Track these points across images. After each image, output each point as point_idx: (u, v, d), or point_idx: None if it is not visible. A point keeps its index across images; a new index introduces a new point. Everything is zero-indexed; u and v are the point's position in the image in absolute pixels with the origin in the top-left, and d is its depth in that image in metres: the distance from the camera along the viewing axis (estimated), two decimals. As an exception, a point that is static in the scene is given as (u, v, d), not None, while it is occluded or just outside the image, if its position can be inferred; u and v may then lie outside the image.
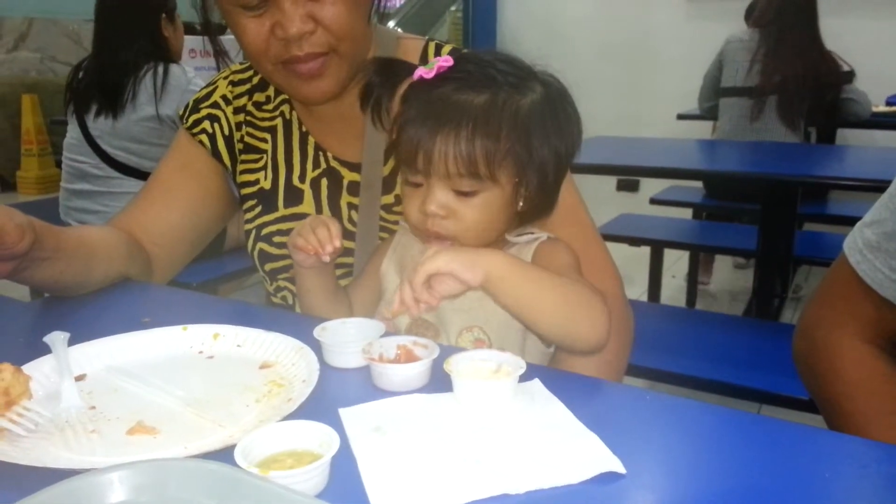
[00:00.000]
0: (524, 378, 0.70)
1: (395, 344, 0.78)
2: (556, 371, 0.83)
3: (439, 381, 0.73)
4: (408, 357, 0.76)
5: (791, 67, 3.07)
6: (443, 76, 0.86)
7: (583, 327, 0.81)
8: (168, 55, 2.41)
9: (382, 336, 0.80)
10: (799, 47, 3.08)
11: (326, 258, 0.86)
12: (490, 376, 0.71)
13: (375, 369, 0.74)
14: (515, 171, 0.85)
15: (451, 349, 0.79)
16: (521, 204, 0.88)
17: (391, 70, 0.91)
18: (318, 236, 0.85)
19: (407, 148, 0.84)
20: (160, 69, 2.33)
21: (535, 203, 0.89)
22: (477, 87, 0.84)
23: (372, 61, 0.94)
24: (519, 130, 0.84)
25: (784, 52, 3.09)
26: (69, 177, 2.51)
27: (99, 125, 2.39)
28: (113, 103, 2.34)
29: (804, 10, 3.15)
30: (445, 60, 0.87)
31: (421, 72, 0.87)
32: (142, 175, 2.39)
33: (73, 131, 2.48)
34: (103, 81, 2.36)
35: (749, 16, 3.35)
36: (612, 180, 5.52)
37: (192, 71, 2.43)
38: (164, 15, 2.39)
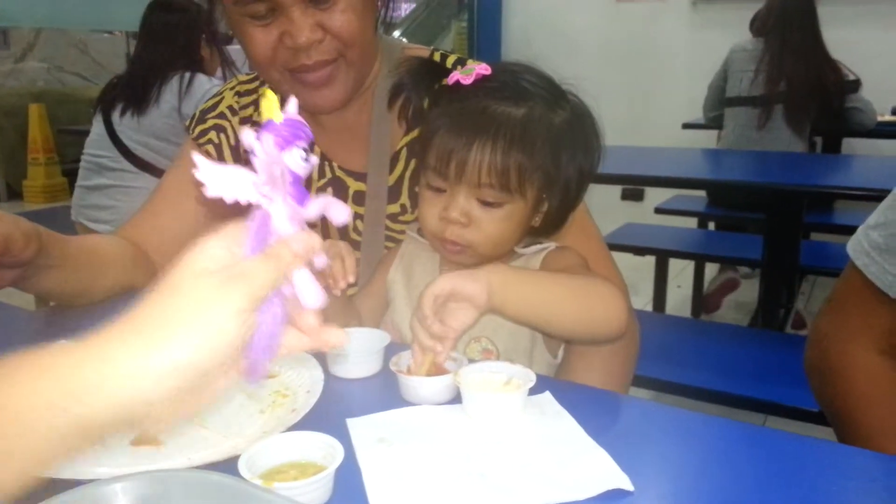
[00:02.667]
0: (534, 391, 0.70)
1: None
2: (565, 383, 0.83)
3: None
4: (436, 369, 0.75)
5: (796, 75, 3.08)
6: (478, 84, 0.86)
7: (599, 314, 0.81)
8: (200, 71, 2.49)
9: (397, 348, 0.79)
10: (803, 55, 3.09)
11: (338, 293, 0.85)
12: (500, 389, 0.71)
13: (404, 382, 0.73)
14: (542, 187, 0.86)
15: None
16: (537, 219, 0.89)
17: (423, 71, 0.91)
18: (333, 269, 0.84)
19: (439, 153, 0.84)
20: (187, 75, 2.42)
21: (551, 219, 0.89)
22: (514, 98, 0.85)
23: (404, 62, 0.94)
24: (551, 146, 0.84)
25: (788, 60, 3.10)
26: (86, 173, 2.59)
27: (124, 122, 2.48)
28: (139, 102, 2.44)
29: (806, 18, 3.16)
30: (484, 68, 0.87)
31: (458, 76, 0.87)
32: (156, 171, 2.46)
33: (96, 127, 2.56)
34: (132, 84, 2.47)
35: (753, 25, 3.35)
36: (617, 189, 5.51)
37: (216, 80, 2.50)
38: (203, 36, 2.48)
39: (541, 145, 0.84)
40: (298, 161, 0.46)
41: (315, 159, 0.49)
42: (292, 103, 0.49)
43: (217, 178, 0.46)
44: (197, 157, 0.46)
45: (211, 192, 0.46)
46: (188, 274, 0.45)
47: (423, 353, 0.73)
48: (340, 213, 0.51)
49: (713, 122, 3.53)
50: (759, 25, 3.29)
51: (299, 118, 0.47)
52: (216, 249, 0.46)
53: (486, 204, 0.84)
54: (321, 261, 0.50)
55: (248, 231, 0.47)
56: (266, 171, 0.46)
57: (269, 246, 0.47)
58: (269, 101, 0.47)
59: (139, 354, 0.41)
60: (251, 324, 0.45)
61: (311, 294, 0.49)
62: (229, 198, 0.46)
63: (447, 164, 0.83)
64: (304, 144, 0.47)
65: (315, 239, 0.48)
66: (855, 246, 0.92)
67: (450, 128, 0.84)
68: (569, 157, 0.86)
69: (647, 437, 0.69)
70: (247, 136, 0.47)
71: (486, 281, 0.73)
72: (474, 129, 0.83)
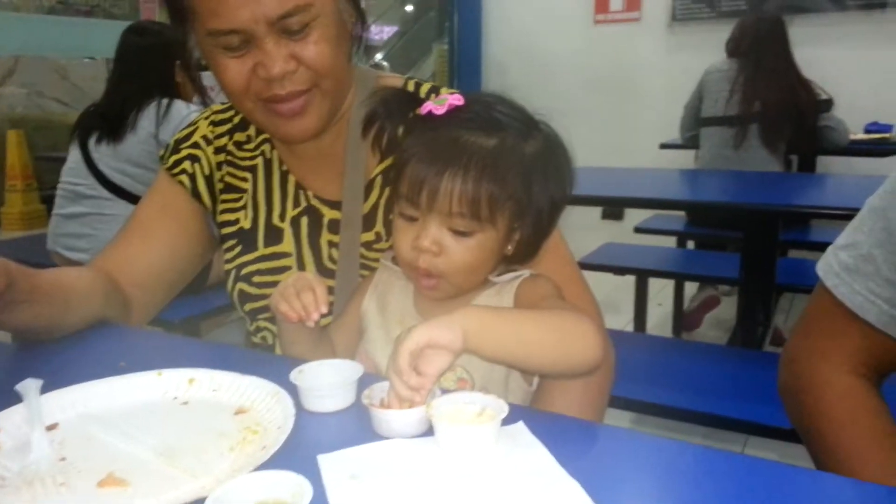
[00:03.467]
0: (508, 420, 0.69)
1: None
2: (539, 413, 0.82)
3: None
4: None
5: (770, 95, 3.13)
6: (451, 114, 0.86)
7: (576, 349, 0.80)
8: (177, 97, 2.49)
9: (370, 379, 0.78)
10: (776, 75, 3.15)
11: (311, 324, 0.84)
12: (473, 420, 0.70)
13: (376, 416, 0.72)
14: (514, 216, 0.86)
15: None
16: (510, 248, 0.89)
17: (396, 101, 0.92)
18: (304, 301, 0.84)
19: (411, 182, 0.84)
20: (164, 101, 2.42)
21: (524, 247, 0.90)
22: (486, 129, 0.85)
23: (378, 91, 0.94)
24: (522, 176, 0.85)
25: (762, 80, 3.16)
26: (62, 202, 2.57)
27: (101, 149, 2.47)
28: (115, 129, 2.43)
29: (778, 40, 3.22)
30: (456, 99, 0.87)
31: (430, 106, 0.87)
32: (133, 199, 2.45)
33: (73, 155, 2.54)
34: (108, 112, 2.46)
35: (728, 46, 3.41)
36: (596, 210, 5.55)
37: (194, 107, 2.49)
38: (178, 62, 2.47)
39: (512, 175, 0.84)
40: None
41: None
42: None
43: None
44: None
45: None
46: None
47: (400, 404, 0.72)
48: None
49: (690, 142, 3.58)
50: (732, 47, 3.35)
51: None
52: None
53: (457, 233, 0.85)
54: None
55: None
56: None
57: None
58: None
59: None
60: None
61: None
62: None
63: (419, 193, 0.83)
64: None
65: None
66: (824, 266, 0.93)
67: (421, 157, 0.84)
68: (541, 187, 0.87)
69: (622, 466, 0.68)
70: None
71: (461, 327, 0.72)
72: (446, 158, 0.83)
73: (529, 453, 0.67)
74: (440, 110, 0.87)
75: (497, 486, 0.62)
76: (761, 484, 0.63)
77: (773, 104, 3.14)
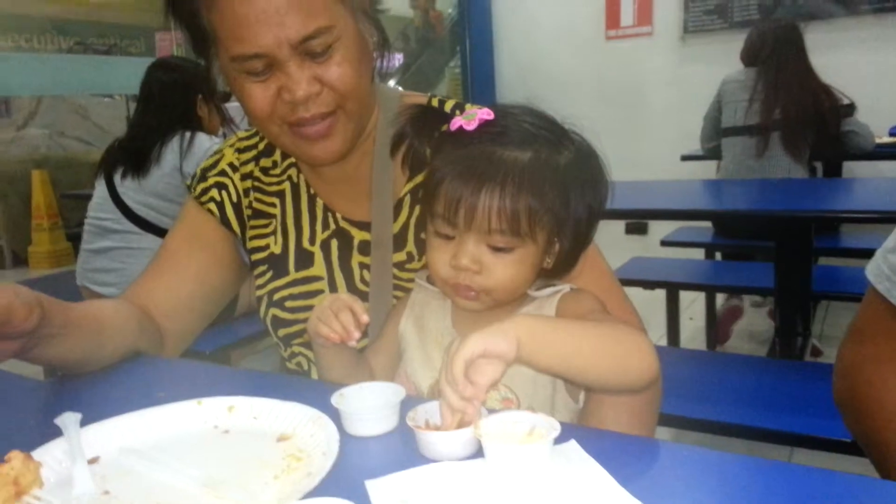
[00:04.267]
0: (559, 439, 0.67)
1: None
2: (590, 430, 0.79)
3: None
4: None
5: (790, 100, 3.09)
6: (482, 129, 0.85)
7: (633, 363, 0.78)
8: (200, 130, 2.52)
9: (420, 402, 0.76)
10: (795, 80, 3.11)
11: (353, 343, 0.83)
12: (524, 439, 0.68)
13: (422, 438, 0.70)
14: (553, 229, 0.84)
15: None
16: (549, 261, 0.87)
17: (424, 119, 0.91)
18: (342, 321, 0.83)
19: (447, 201, 0.83)
20: (188, 134, 2.45)
21: (563, 260, 0.88)
22: (519, 142, 0.84)
23: (405, 110, 0.93)
24: (559, 188, 0.83)
25: (781, 86, 3.12)
26: (90, 237, 2.59)
27: (126, 184, 2.49)
28: (140, 163, 2.45)
29: (795, 46, 3.19)
30: (486, 113, 0.86)
31: (460, 122, 0.86)
32: (160, 231, 2.47)
33: (99, 190, 2.57)
34: (133, 147, 2.49)
35: (743, 55, 3.39)
36: (620, 224, 5.51)
37: (216, 139, 2.52)
38: (199, 96, 2.52)
39: (549, 187, 0.83)
40: None
41: None
42: None
43: None
44: None
45: None
46: None
47: (452, 415, 0.70)
48: None
49: (711, 153, 3.54)
50: (748, 55, 3.32)
51: None
52: None
53: (496, 249, 0.83)
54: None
55: None
56: None
57: None
58: None
59: None
60: None
61: None
62: None
63: (456, 212, 0.82)
64: None
65: None
66: (874, 270, 0.90)
67: (456, 175, 0.83)
68: (577, 197, 0.85)
69: (681, 482, 0.65)
70: None
71: (515, 336, 0.70)
72: (482, 175, 0.81)
73: (585, 472, 0.64)
74: (471, 126, 0.85)
75: (555, 507, 0.59)
76: (830, 495, 0.60)
77: (793, 111, 3.10)
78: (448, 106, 1.08)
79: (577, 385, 0.87)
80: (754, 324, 3.38)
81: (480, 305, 0.87)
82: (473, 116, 0.86)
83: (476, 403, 0.69)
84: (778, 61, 3.16)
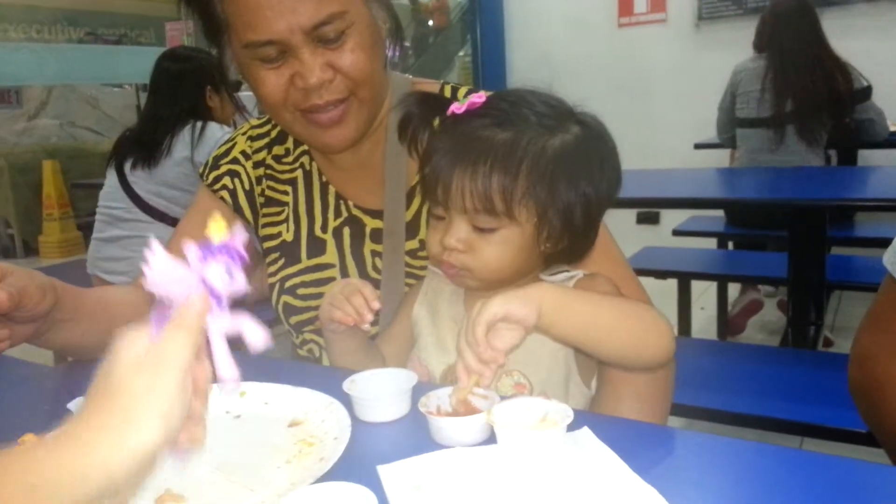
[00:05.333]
0: (572, 426, 0.66)
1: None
2: (603, 417, 0.79)
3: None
4: (466, 408, 0.72)
5: (802, 87, 3.02)
6: (474, 112, 0.85)
7: (651, 339, 0.79)
8: (211, 120, 2.52)
9: (429, 388, 0.76)
10: (806, 65, 3.02)
11: (367, 326, 0.84)
12: (536, 425, 0.67)
13: (434, 423, 0.70)
14: (535, 212, 0.83)
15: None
16: (546, 245, 0.85)
17: (428, 104, 0.91)
18: (355, 305, 0.83)
19: (429, 180, 0.84)
20: (199, 124, 2.45)
21: (564, 245, 0.86)
22: (504, 124, 0.83)
23: (410, 95, 0.93)
24: (541, 171, 0.81)
25: (791, 73, 3.04)
26: (101, 225, 2.61)
27: (137, 173, 2.51)
28: (151, 153, 2.46)
29: (804, 25, 3.09)
30: (478, 97, 0.86)
31: (453, 107, 0.87)
32: (170, 220, 2.48)
33: (110, 179, 2.59)
34: (143, 137, 2.50)
35: (755, 41, 3.32)
36: (631, 214, 5.48)
37: (227, 129, 2.53)
38: (209, 86, 2.52)
39: (528, 169, 0.81)
40: (219, 280, 0.53)
41: (243, 284, 0.54)
42: (238, 230, 0.55)
43: (162, 274, 0.53)
44: (152, 254, 0.53)
45: (152, 285, 0.53)
46: (124, 368, 0.50)
47: (468, 377, 0.70)
48: (257, 337, 0.55)
49: (729, 142, 3.49)
50: (759, 42, 3.26)
51: (238, 245, 0.54)
52: (140, 339, 0.53)
53: (480, 230, 0.83)
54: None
55: (154, 319, 0.53)
56: (187, 277, 0.53)
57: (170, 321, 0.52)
58: (217, 224, 0.55)
59: (115, 442, 0.47)
60: (189, 389, 0.51)
61: (227, 366, 0.54)
62: (164, 291, 0.53)
63: (436, 190, 0.83)
64: (231, 268, 0.53)
65: (206, 299, 0.53)
66: (892, 259, 0.88)
67: (440, 156, 0.84)
68: (568, 183, 0.82)
69: (695, 468, 0.65)
70: (189, 249, 0.53)
71: (538, 302, 0.71)
72: (457, 154, 0.82)
73: (599, 459, 0.64)
74: (460, 109, 0.86)
75: (569, 493, 0.59)
76: (844, 482, 0.60)
77: (807, 99, 3.03)
78: (461, 93, 1.08)
79: (594, 356, 0.85)
80: (766, 314, 3.35)
81: (468, 283, 0.87)
82: (464, 101, 0.86)
83: (493, 368, 0.69)
84: (789, 46, 3.07)
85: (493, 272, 0.85)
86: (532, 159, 0.81)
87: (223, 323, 0.54)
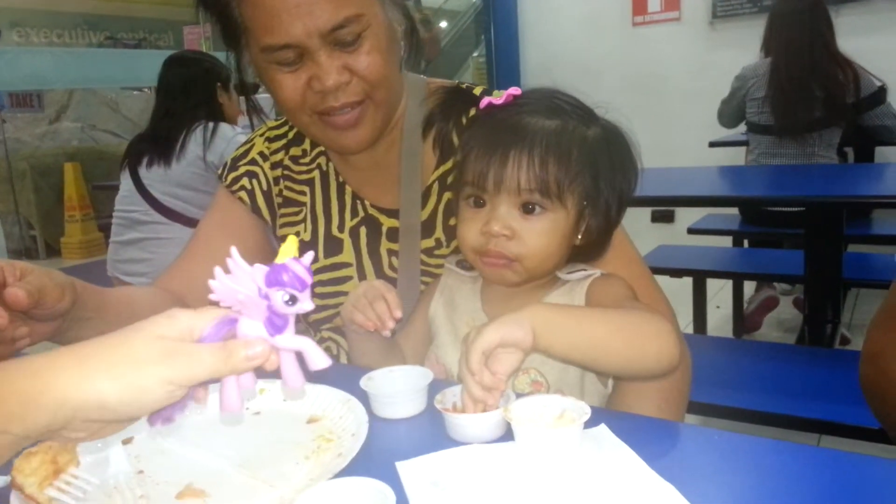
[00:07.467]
0: (589, 423, 0.67)
1: None
2: (620, 414, 0.79)
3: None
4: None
5: (803, 96, 2.94)
6: (510, 104, 0.87)
7: (651, 350, 0.78)
8: (221, 119, 2.58)
9: (442, 384, 0.77)
10: (810, 68, 2.94)
11: (387, 333, 0.84)
12: (554, 423, 0.68)
13: (451, 420, 0.71)
14: (582, 198, 0.85)
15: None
16: (579, 237, 0.88)
17: (453, 101, 0.93)
18: (377, 311, 0.84)
19: (476, 169, 0.84)
20: (210, 124, 2.50)
21: (593, 239, 0.88)
22: (546, 113, 0.86)
23: (435, 93, 0.95)
24: (587, 158, 0.84)
25: (796, 78, 2.95)
26: (118, 229, 2.65)
27: (151, 174, 2.54)
28: (164, 154, 2.50)
29: (806, 29, 2.97)
30: (514, 90, 0.88)
31: (489, 99, 0.88)
32: (187, 221, 2.51)
33: (125, 184, 2.62)
34: (157, 137, 2.55)
35: (763, 44, 3.24)
36: (646, 212, 5.45)
37: (239, 128, 2.59)
38: (219, 84, 2.58)
39: (577, 155, 0.84)
40: (280, 303, 0.54)
41: (308, 306, 0.55)
42: (308, 257, 0.56)
43: (231, 289, 0.55)
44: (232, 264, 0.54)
45: (217, 295, 0.55)
46: (145, 333, 0.51)
47: (475, 405, 0.70)
48: (318, 360, 0.56)
49: (731, 125, 3.44)
50: (766, 44, 3.17)
51: (304, 269, 0.55)
52: (182, 322, 0.53)
53: (528, 212, 0.84)
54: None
55: (214, 322, 0.54)
56: (251, 292, 0.54)
57: (225, 340, 0.53)
58: (290, 245, 0.56)
59: (72, 382, 0.48)
60: (176, 396, 0.51)
61: (294, 378, 0.57)
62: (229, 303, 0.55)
63: (485, 178, 0.84)
64: (295, 292, 0.54)
65: (268, 354, 0.54)
66: None
67: (484, 143, 0.85)
68: (606, 173, 0.86)
69: (711, 465, 0.65)
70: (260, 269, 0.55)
71: (531, 325, 0.70)
72: (509, 140, 0.83)
73: (617, 456, 0.65)
74: (499, 101, 0.88)
75: (587, 490, 0.60)
76: (860, 479, 0.60)
77: (810, 106, 2.94)
78: (477, 91, 1.08)
79: (593, 371, 0.87)
80: (782, 312, 3.33)
81: (513, 276, 0.87)
82: (502, 93, 0.88)
83: (496, 393, 0.69)
84: (789, 50, 2.96)
85: (542, 260, 0.86)
86: (579, 147, 0.84)
87: (287, 341, 0.55)
